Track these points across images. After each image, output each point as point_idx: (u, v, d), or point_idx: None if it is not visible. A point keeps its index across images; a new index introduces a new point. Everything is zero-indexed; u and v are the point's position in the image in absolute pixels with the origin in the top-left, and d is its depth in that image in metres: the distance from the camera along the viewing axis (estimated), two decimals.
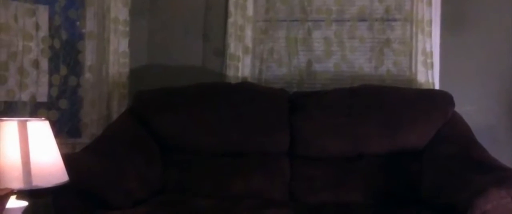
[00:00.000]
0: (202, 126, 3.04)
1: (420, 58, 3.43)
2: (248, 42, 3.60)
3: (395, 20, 3.55)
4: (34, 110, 3.21)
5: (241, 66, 3.58)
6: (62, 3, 3.34)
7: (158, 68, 3.72)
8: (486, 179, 2.30)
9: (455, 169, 2.59)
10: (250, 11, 3.60)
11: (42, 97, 3.32)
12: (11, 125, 1.95)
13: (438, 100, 3.07)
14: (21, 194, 1.98)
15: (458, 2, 3.50)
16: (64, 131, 3.40)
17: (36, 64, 3.24)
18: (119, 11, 3.52)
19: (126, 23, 3.56)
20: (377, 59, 3.53)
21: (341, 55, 3.56)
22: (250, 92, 3.17)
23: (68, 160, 2.12)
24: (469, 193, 2.25)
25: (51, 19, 3.35)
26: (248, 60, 3.61)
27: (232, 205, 2.59)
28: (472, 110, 3.30)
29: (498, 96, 3.44)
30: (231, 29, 3.57)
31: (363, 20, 3.55)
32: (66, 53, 3.40)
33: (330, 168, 2.70)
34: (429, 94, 3.15)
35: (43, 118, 2.07)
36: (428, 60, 3.40)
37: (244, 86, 3.27)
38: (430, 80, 3.39)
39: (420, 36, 3.42)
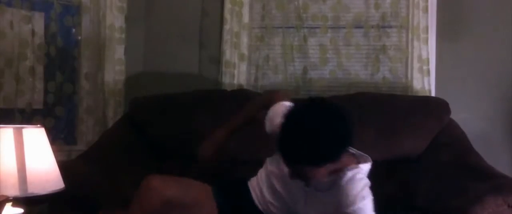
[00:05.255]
0: (198, 133, 3.03)
1: (416, 65, 3.43)
2: (244, 49, 3.59)
3: (391, 27, 3.54)
4: (30, 117, 3.20)
5: (237, 74, 3.57)
6: (58, 10, 3.33)
7: (154, 76, 3.72)
8: (482, 186, 2.31)
9: (451, 176, 2.60)
10: (245, 18, 3.60)
11: (38, 105, 3.31)
12: (6, 132, 1.94)
13: (433, 108, 3.07)
14: (16, 202, 1.97)
15: (454, 9, 3.50)
16: (60, 138, 3.39)
17: (32, 71, 3.23)
18: (115, 18, 3.51)
19: (122, 30, 3.55)
20: (373, 66, 3.53)
21: (337, 62, 3.56)
22: (246, 100, 3.16)
23: (64, 167, 2.12)
24: (466, 200, 2.25)
25: (46, 26, 3.34)
26: (244, 67, 3.60)
27: None
28: (468, 117, 3.29)
29: (494, 103, 3.44)
30: (226, 36, 3.57)
31: (359, 27, 3.55)
32: (62, 60, 3.39)
33: None
34: (425, 102, 3.15)
35: (38, 125, 2.07)
36: (424, 67, 3.40)
37: (240, 94, 3.27)
38: (426, 87, 3.39)
39: (416, 43, 3.42)
